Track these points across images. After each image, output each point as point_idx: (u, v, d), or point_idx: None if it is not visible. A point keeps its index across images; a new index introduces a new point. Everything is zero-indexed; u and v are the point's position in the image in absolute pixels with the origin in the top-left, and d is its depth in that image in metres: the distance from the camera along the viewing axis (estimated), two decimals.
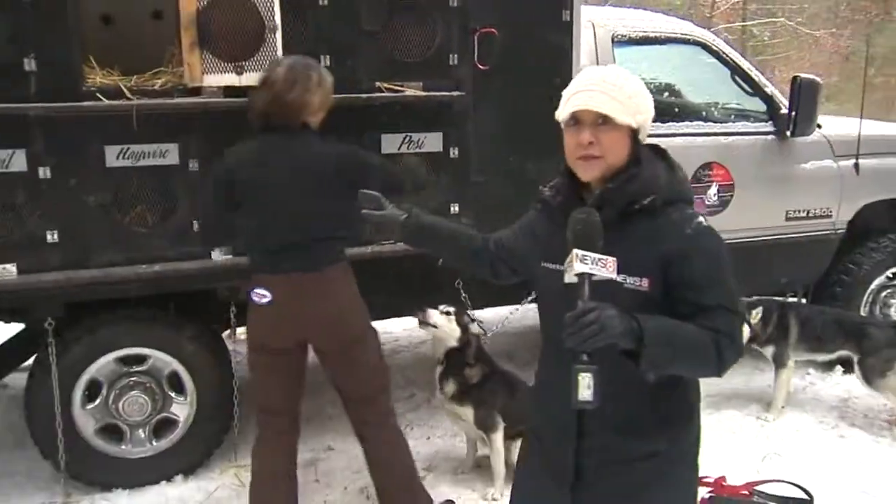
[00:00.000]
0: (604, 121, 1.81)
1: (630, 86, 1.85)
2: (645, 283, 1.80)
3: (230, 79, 3.21)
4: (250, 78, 3.18)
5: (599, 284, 1.71)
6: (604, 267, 1.71)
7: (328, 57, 3.46)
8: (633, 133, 1.86)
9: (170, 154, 3.34)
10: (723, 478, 3.27)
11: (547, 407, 2.00)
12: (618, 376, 1.70)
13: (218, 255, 3.46)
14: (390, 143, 3.64)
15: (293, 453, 3.19)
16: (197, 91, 3.30)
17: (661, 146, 1.97)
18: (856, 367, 4.38)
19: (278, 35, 3.14)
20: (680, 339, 1.74)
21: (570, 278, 1.72)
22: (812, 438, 4.23)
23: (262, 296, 2.95)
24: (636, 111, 1.83)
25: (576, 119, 1.84)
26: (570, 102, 1.85)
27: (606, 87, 1.82)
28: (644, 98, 1.87)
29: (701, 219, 1.86)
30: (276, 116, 2.88)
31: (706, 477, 3.37)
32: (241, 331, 3.81)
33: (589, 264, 1.69)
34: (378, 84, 3.56)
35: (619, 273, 1.75)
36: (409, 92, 3.58)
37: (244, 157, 2.97)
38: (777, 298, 4.84)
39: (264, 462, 3.14)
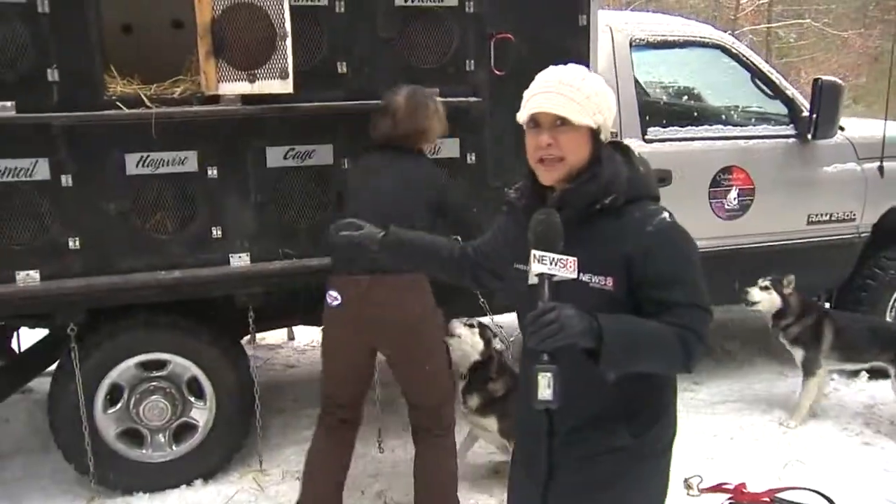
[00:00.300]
0: (562, 122, 1.81)
1: (588, 86, 1.84)
2: (609, 282, 1.81)
3: (243, 87, 3.24)
4: (262, 86, 3.21)
5: (565, 284, 1.73)
6: (563, 267, 1.72)
7: (344, 64, 3.49)
8: (594, 133, 1.85)
9: (189, 161, 3.37)
10: (743, 484, 3.24)
11: (525, 406, 1.99)
12: (582, 373, 1.70)
13: (236, 262, 3.48)
14: None
15: (350, 443, 3.27)
16: (215, 99, 3.34)
17: (624, 143, 1.98)
18: (892, 379, 4.30)
19: (288, 42, 3.16)
20: (642, 337, 1.75)
21: (532, 279, 1.74)
22: (836, 445, 4.17)
23: (333, 298, 3.06)
24: (595, 111, 1.83)
25: (535, 121, 1.85)
26: (528, 105, 1.86)
27: (563, 88, 1.82)
28: (604, 97, 1.86)
29: (665, 215, 1.85)
30: (397, 140, 3.12)
31: (726, 483, 3.35)
32: (260, 336, 3.86)
33: (547, 265, 1.71)
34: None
35: (584, 273, 1.78)
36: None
37: (359, 168, 3.22)
38: (816, 302, 4.77)
39: (320, 448, 3.25)
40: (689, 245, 1.87)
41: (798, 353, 4.43)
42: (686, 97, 5.03)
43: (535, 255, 1.72)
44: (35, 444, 4.07)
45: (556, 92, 1.83)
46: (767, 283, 4.33)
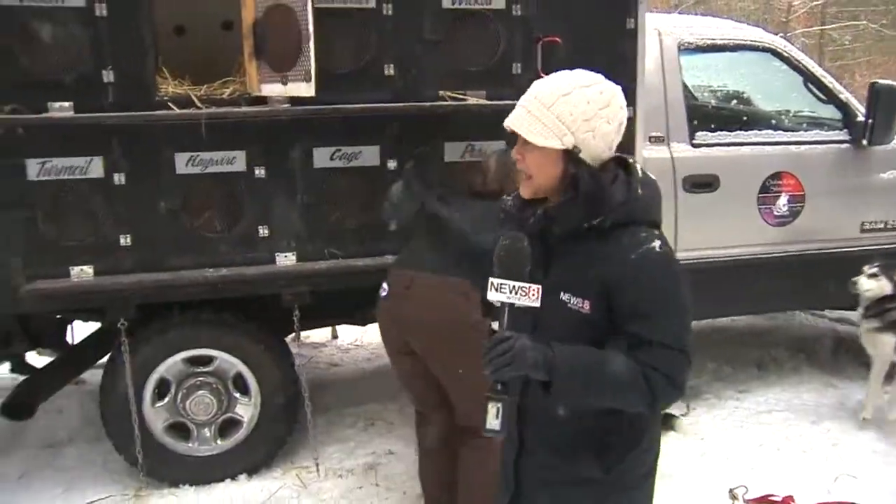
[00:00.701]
0: (526, 140, 1.78)
1: (566, 104, 1.75)
2: (586, 305, 1.76)
3: (279, 88, 3.28)
4: (292, 88, 3.23)
5: (548, 301, 1.71)
6: (525, 295, 1.69)
7: (391, 66, 3.51)
8: (568, 153, 1.76)
9: (237, 161, 3.43)
10: (791, 497, 3.20)
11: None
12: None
13: (282, 261, 3.53)
14: (453, 152, 3.66)
15: (446, 428, 3.22)
16: (263, 100, 3.39)
17: (630, 162, 1.87)
18: None
19: (311, 45, 3.18)
20: (599, 374, 1.69)
21: (495, 302, 1.72)
22: (890, 460, 4.03)
23: (383, 289, 3.09)
24: (565, 132, 1.74)
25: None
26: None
27: (534, 105, 1.78)
28: (584, 116, 1.75)
29: (655, 244, 1.75)
30: (484, 194, 3.08)
31: (773, 495, 3.30)
32: (303, 334, 3.90)
33: (507, 293, 1.69)
34: (441, 93, 3.59)
35: (564, 292, 1.76)
36: (472, 100, 3.60)
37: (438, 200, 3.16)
38: None
39: (421, 439, 3.30)
40: (674, 280, 1.77)
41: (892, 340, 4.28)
42: (735, 101, 4.96)
43: (493, 284, 1.69)
44: (88, 434, 4.17)
45: (524, 109, 1.79)
46: (875, 270, 4.27)
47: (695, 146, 4.37)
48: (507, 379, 1.66)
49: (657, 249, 1.74)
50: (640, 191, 1.80)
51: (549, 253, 1.83)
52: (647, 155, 4.05)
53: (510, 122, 1.80)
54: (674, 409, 4.29)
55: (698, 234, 4.33)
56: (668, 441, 3.95)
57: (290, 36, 3.17)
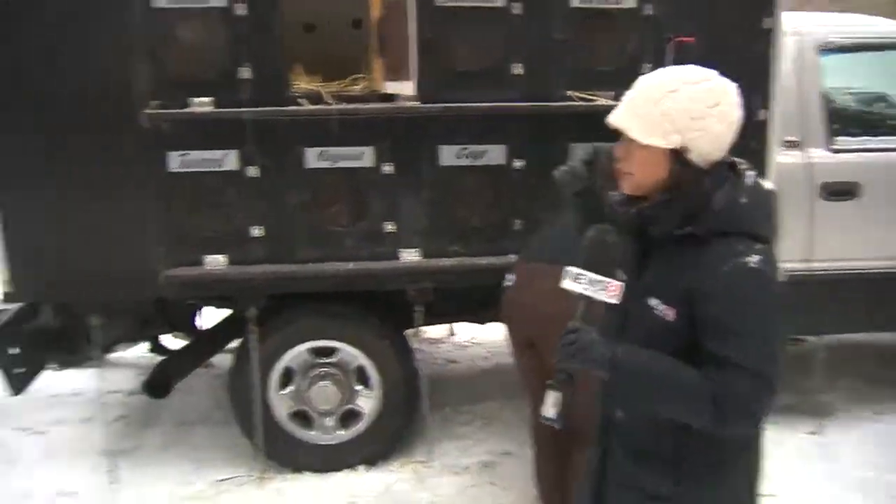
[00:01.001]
0: (630, 137, 1.72)
1: (674, 101, 1.67)
2: (671, 313, 1.68)
3: (396, 86, 3.32)
4: (400, 86, 3.27)
5: (635, 304, 1.68)
6: (602, 290, 1.65)
7: (520, 65, 3.50)
8: (676, 153, 1.69)
9: (365, 157, 3.49)
10: None
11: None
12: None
13: (407, 257, 3.58)
14: (580, 154, 3.61)
15: (558, 430, 3.21)
16: (391, 97, 3.45)
17: (742, 165, 1.76)
18: None
19: (413, 44, 3.18)
20: (661, 381, 1.63)
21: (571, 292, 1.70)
22: None
23: (508, 279, 3.09)
24: (672, 130, 1.67)
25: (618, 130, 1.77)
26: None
27: (639, 101, 1.71)
28: (692, 115, 1.66)
29: (752, 258, 1.62)
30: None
31: None
32: (422, 330, 3.94)
33: (583, 284, 1.65)
34: (569, 93, 3.55)
35: (651, 296, 1.69)
36: (601, 101, 3.55)
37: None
38: None
39: (535, 439, 3.25)
40: (764, 300, 1.65)
41: None
42: (881, 104, 4.68)
43: (570, 273, 1.66)
44: (217, 416, 4.36)
45: (629, 104, 1.74)
46: None
47: (834, 151, 4.15)
48: (570, 369, 1.66)
49: (751, 265, 1.62)
50: (743, 199, 1.69)
51: (644, 255, 1.78)
52: (780, 160, 3.88)
53: (614, 119, 1.75)
54: (801, 428, 4.12)
55: (836, 244, 4.12)
56: (791, 462, 3.81)
57: (400, 35, 3.22)
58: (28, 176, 3.41)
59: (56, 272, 3.51)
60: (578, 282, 1.67)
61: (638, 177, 1.75)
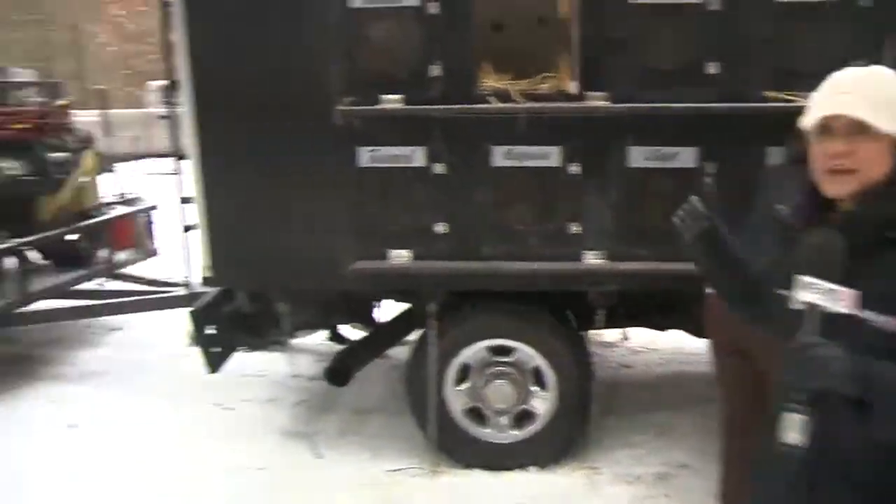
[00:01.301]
0: (859, 129, 1.55)
1: (891, 88, 1.59)
2: (893, 323, 1.49)
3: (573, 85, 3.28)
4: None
5: (835, 320, 1.49)
6: (837, 300, 1.48)
7: (716, 64, 3.34)
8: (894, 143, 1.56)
9: (552, 156, 3.45)
10: None
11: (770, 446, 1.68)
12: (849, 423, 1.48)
13: (591, 259, 3.51)
14: (777, 157, 3.40)
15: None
16: (580, 97, 3.39)
17: None
18: None
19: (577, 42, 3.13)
20: None
21: (796, 306, 1.53)
22: None
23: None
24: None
25: (825, 127, 1.59)
26: (818, 107, 1.61)
27: (862, 89, 1.57)
28: None
29: None
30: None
31: None
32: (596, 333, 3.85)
33: (817, 295, 1.49)
34: (766, 93, 3.35)
35: (863, 308, 1.50)
36: (802, 103, 3.32)
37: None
38: None
39: (728, 453, 3.10)
40: None
41: None
42: None
43: (802, 282, 1.51)
44: (392, 407, 4.46)
45: (853, 93, 1.59)
46: None
47: None
48: (809, 389, 1.49)
49: None
50: None
51: (853, 263, 1.60)
52: None
53: (847, 109, 1.58)
54: None
55: None
56: None
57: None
58: (229, 171, 3.61)
59: (251, 261, 3.70)
60: (812, 291, 1.54)
61: (864, 174, 1.60)
